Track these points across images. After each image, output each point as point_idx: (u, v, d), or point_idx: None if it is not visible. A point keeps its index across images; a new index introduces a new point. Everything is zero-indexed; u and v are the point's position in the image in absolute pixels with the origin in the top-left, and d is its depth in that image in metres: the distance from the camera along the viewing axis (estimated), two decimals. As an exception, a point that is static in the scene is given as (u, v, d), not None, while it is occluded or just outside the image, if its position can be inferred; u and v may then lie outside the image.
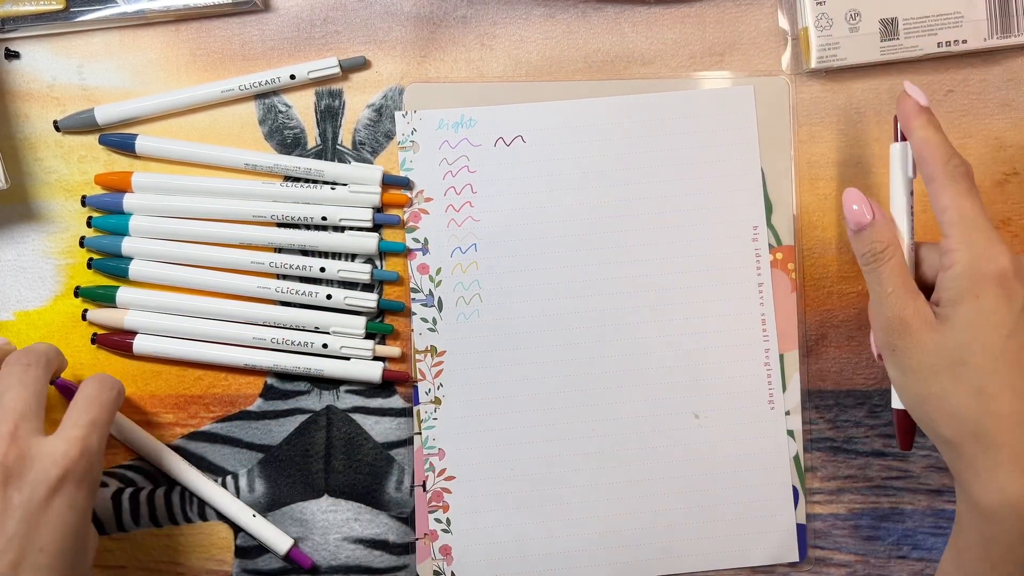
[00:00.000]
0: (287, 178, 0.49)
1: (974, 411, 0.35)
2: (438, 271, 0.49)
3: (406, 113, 0.50)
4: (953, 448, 0.36)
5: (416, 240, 0.49)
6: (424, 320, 0.49)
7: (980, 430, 0.35)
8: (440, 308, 0.49)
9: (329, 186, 0.49)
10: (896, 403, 0.49)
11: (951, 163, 0.39)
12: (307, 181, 0.49)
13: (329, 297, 0.49)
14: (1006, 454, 0.34)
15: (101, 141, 0.49)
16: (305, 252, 0.49)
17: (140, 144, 0.49)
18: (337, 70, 0.49)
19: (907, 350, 0.38)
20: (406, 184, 0.49)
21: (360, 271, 0.49)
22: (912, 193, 0.43)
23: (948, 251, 0.38)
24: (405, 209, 0.49)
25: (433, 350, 0.49)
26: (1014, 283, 0.36)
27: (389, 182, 0.49)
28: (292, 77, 0.49)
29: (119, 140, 0.49)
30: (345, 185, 0.49)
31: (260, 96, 0.50)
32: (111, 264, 0.49)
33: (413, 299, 0.49)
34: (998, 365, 0.35)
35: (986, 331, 0.35)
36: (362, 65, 0.50)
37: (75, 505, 0.39)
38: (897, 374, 0.39)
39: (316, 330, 0.49)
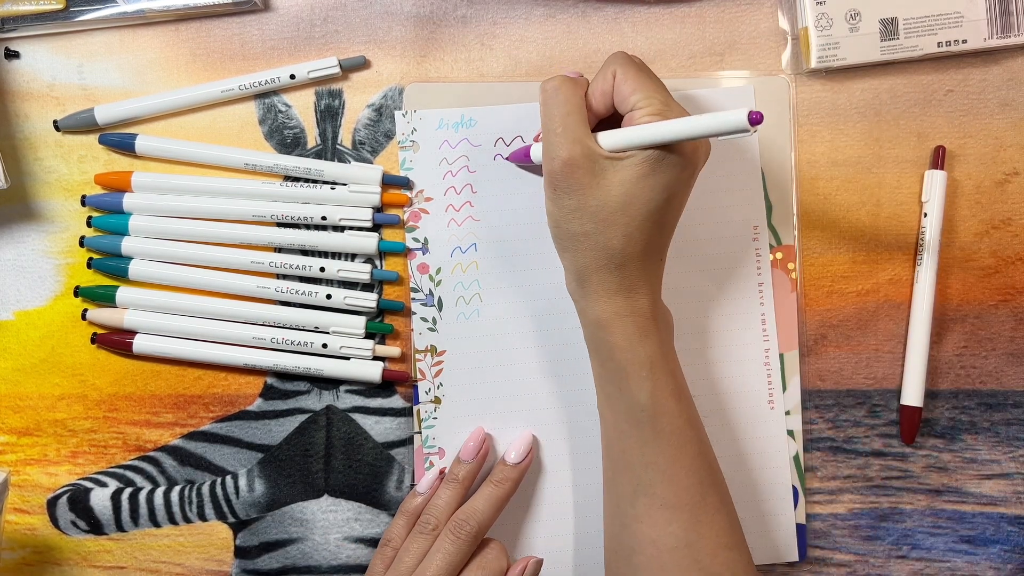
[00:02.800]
0: (287, 178, 0.49)
1: (618, 252, 0.40)
2: (438, 271, 0.49)
3: (406, 113, 0.50)
4: (586, 274, 0.42)
5: (416, 240, 0.49)
6: (424, 320, 0.49)
7: (614, 265, 0.41)
8: (440, 308, 0.49)
9: (329, 186, 0.49)
10: (904, 399, 0.49)
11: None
12: (307, 181, 0.49)
13: (329, 297, 0.49)
14: (629, 281, 0.41)
15: (101, 141, 0.49)
16: (305, 252, 0.49)
17: (140, 144, 0.49)
18: (337, 70, 0.49)
19: (568, 190, 0.40)
20: (406, 184, 0.49)
21: (360, 271, 0.49)
22: None
23: (638, 108, 0.41)
24: (405, 209, 0.49)
25: (433, 350, 0.49)
26: (695, 155, 0.40)
27: (389, 182, 0.49)
28: (292, 77, 0.49)
29: (119, 140, 0.49)
30: (345, 185, 0.49)
31: (260, 96, 0.50)
32: (111, 264, 0.49)
33: (413, 299, 0.49)
34: (647, 217, 0.40)
35: (641, 186, 0.40)
36: (362, 65, 0.50)
37: None
38: (554, 208, 0.42)
39: (316, 330, 0.49)
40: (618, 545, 0.43)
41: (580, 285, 0.42)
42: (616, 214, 0.40)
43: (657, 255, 0.42)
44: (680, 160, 0.40)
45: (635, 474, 0.42)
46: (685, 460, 0.41)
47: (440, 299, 0.49)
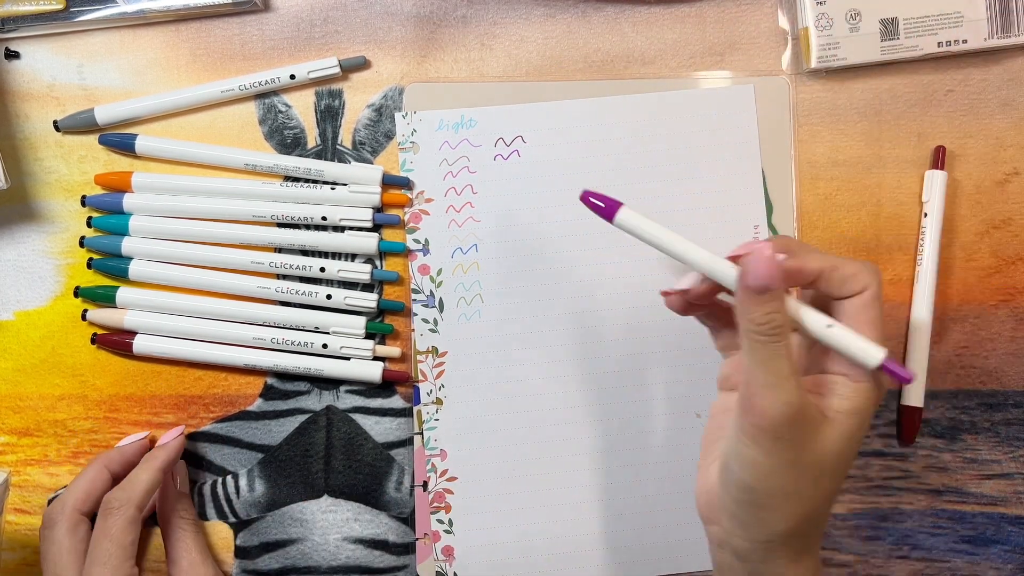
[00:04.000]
0: (287, 178, 0.49)
1: (819, 515, 0.36)
2: (439, 272, 0.49)
3: (406, 114, 0.49)
4: (773, 539, 0.36)
5: (417, 241, 0.49)
6: (425, 321, 0.49)
7: (807, 531, 0.36)
8: (441, 309, 0.49)
9: (329, 186, 0.49)
10: (905, 399, 0.49)
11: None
12: (307, 181, 0.49)
13: (329, 297, 0.49)
14: (809, 549, 0.37)
15: (101, 141, 0.49)
16: (305, 252, 0.49)
17: (140, 144, 0.49)
18: (337, 70, 0.49)
19: (791, 443, 0.34)
20: (406, 184, 0.49)
21: (360, 271, 0.49)
22: None
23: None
24: (406, 210, 0.49)
25: (435, 351, 0.49)
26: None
27: (389, 182, 0.49)
28: (292, 77, 0.49)
29: (119, 140, 0.49)
30: (345, 185, 0.49)
31: (260, 96, 0.50)
32: (111, 264, 0.49)
33: (414, 300, 0.49)
34: (843, 476, 0.36)
35: (851, 444, 0.35)
36: (362, 65, 0.50)
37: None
38: (766, 458, 0.35)
39: (316, 330, 0.49)
40: None
41: (762, 548, 0.36)
42: (823, 475, 0.35)
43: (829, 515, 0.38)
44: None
45: None
46: None
47: (441, 300, 0.49)
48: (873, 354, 0.35)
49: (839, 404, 0.35)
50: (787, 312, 0.35)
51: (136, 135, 0.49)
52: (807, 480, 0.35)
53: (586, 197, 0.38)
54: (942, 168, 0.49)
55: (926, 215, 0.50)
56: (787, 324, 0.34)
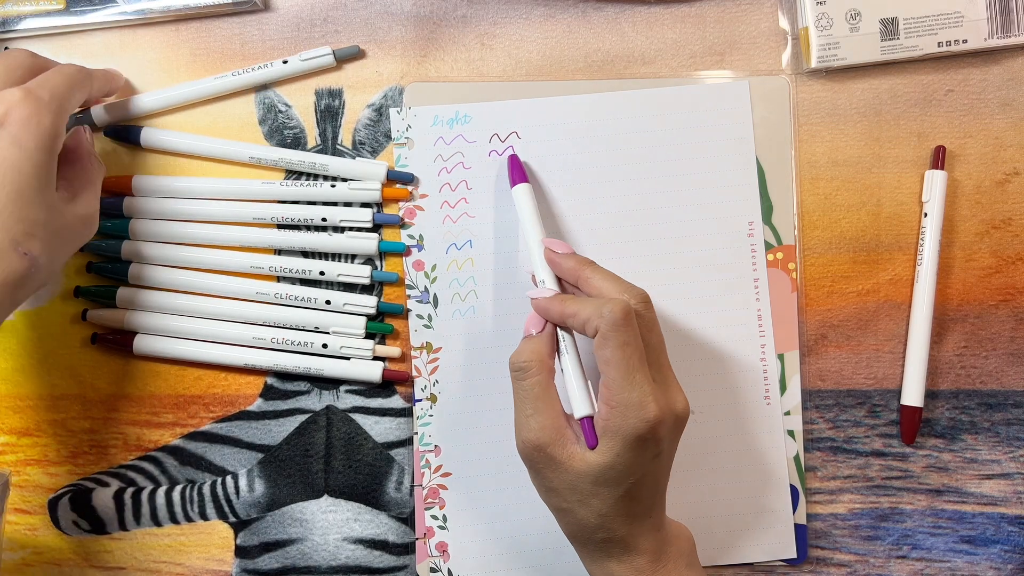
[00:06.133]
0: (288, 176, 0.49)
1: (597, 528, 0.40)
2: (433, 267, 0.49)
3: (401, 109, 0.49)
4: (577, 542, 0.42)
5: (411, 236, 0.49)
6: (420, 316, 0.49)
7: (599, 539, 0.40)
8: (436, 305, 0.49)
9: (329, 183, 0.49)
10: (904, 399, 0.49)
11: (610, 310, 0.39)
12: (311, 176, 0.49)
13: (328, 302, 0.49)
14: (617, 549, 0.40)
15: (106, 133, 0.49)
16: (305, 254, 0.49)
17: (145, 135, 0.49)
18: (331, 58, 0.49)
19: (544, 474, 0.40)
20: (411, 180, 0.49)
21: (360, 273, 0.49)
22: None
23: (604, 402, 0.39)
24: (401, 205, 0.49)
25: (429, 347, 0.49)
26: (654, 436, 0.38)
27: (394, 177, 0.49)
28: (284, 62, 0.48)
29: (123, 132, 0.49)
30: (346, 181, 0.49)
31: (259, 90, 0.50)
32: (110, 267, 0.49)
33: (409, 296, 0.49)
34: (618, 497, 0.39)
35: (610, 473, 0.39)
36: (356, 55, 0.49)
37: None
38: (535, 482, 0.42)
39: (316, 330, 0.49)
40: None
41: (577, 547, 0.42)
42: (588, 495, 0.39)
43: (646, 516, 0.41)
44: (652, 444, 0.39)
45: None
46: None
47: (436, 296, 0.49)
48: (578, 407, 0.40)
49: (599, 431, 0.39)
50: (541, 356, 0.41)
51: (141, 126, 0.49)
52: (569, 502, 0.40)
53: (513, 159, 0.48)
54: (942, 168, 0.49)
55: (926, 215, 0.50)
56: (535, 367, 0.40)
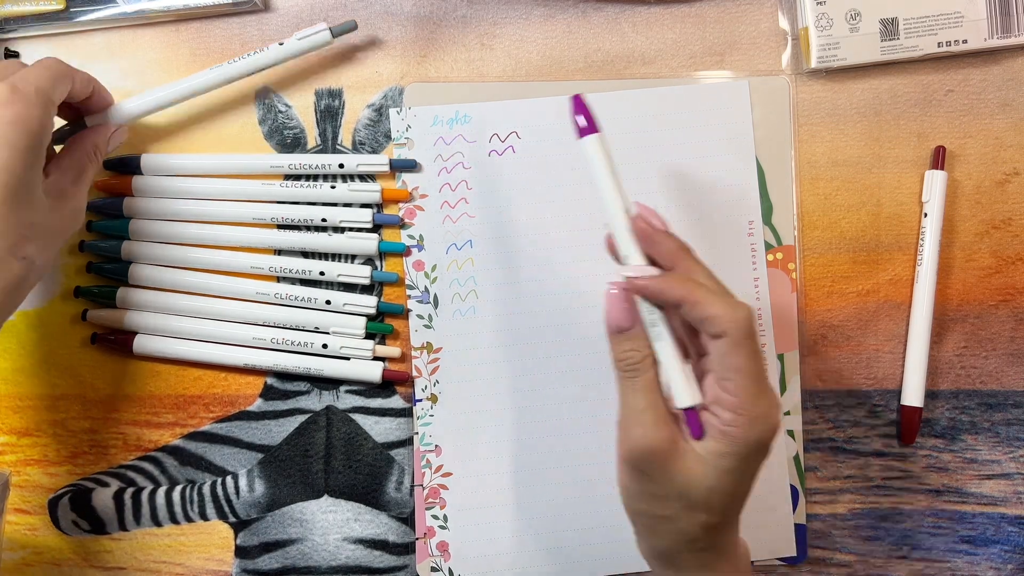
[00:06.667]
0: (287, 177, 0.49)
1: (702, 537, 0.37)
2: (433, 268, 0.49)
3: (400, 109, 0.49)
4: (661, 558, 0.39)
5: (411, 237, 0.49)
6: (420, 317, 0.49)
7: (698, 548, 0.38)
8: (436, 305, 0.49)
9: (329, 184, 0.49)
10: (904, 399, 0.49)
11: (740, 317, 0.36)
12: (311, 177, 0.49)
13: (328, 302, 0.49)
14: (710, 561, 0.38)
15: (106, 166, 0.49)
16: (305, 254, 0.49)
17: (145, 162, 0.49)
18: (328, 35, 0.48)
19: (653, 478, 0.37)
20: (413, 167, 0.49)
21: (360, 273, 0.49)
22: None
23: (730, 409, 0.36)
24: (401, 206, 0.49)
25: (429, 347, 0.49)
26: (770, 447, 0.37)
27: (397, 166, 0.49)
28: (280, 44, 0.47)
29: (121, 163, 0.49)
30: (347, 181, 0.49)
31: (260, 94, 0.50)
32: (110, 267, 0.49)
33: (409, 296, 0.49)
34: (727, 504, 0.37)
35: (726, 480, 0.36)
36: (352, 28, 0.48)
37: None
38: (633, 485, 0.38)
39: (316, 330, 0.49)
40: None
41: (658, 564, 0.39)
42: (697, 503, 0.36)
43: (736, 527, 0.39)
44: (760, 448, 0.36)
45: None
46: None
47: (436, 296, 0.49)
48: (681, 397, 0.36)
49: (708, 444, 0.36)
50: (646, 349, 0.37)
51: (140, 155, 0.49)
52: (675, 509, 0.37)
53: (578, 100, 0.38)
54: (942, 168, 0.49)
55: (926, 215, 0.50)
56: (645, 361, 0.37)
